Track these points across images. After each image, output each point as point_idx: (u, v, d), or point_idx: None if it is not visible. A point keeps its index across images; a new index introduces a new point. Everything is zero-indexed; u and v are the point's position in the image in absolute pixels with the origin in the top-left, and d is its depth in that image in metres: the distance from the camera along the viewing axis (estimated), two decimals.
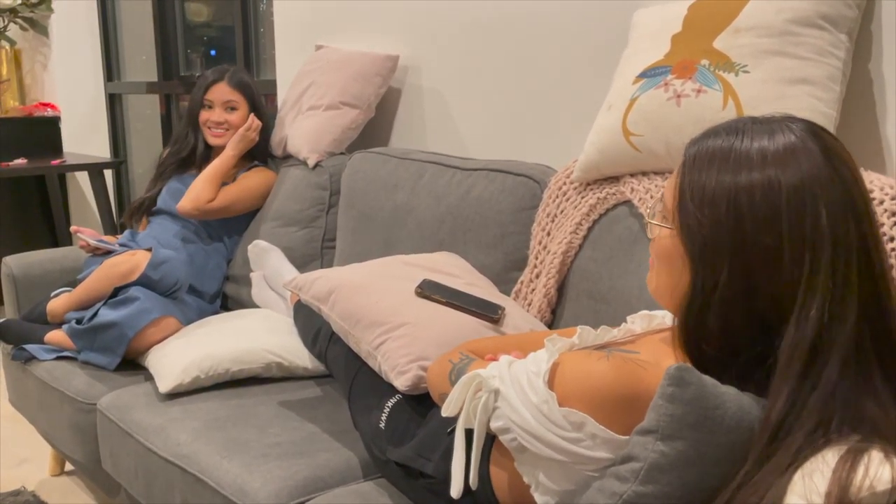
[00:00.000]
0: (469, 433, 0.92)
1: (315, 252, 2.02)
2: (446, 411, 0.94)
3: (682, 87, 1.30)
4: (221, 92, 2.07)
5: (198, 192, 2.00)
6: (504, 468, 0.96)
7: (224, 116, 2.07)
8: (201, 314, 1.94)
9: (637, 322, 1.02)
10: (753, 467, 0.72)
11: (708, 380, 0.74)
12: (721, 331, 0.78)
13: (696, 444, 0.73)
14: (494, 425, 0.88)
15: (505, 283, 1.54)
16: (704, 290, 0.78)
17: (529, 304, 1.48)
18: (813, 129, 0.81)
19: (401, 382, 1.18)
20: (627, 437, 0.80)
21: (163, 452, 1.37)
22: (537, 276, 1.49)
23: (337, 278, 1.39)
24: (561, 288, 1.45)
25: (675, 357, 0.85)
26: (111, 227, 3.36)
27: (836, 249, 0.75)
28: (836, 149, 0.80)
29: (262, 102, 2.15)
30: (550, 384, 0.83)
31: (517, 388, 0.85)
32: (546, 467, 0.85)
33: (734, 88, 1.25)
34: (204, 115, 2.09)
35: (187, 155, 2.13)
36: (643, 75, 1.36)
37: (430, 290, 1.33)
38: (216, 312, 2.04)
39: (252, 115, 2.09)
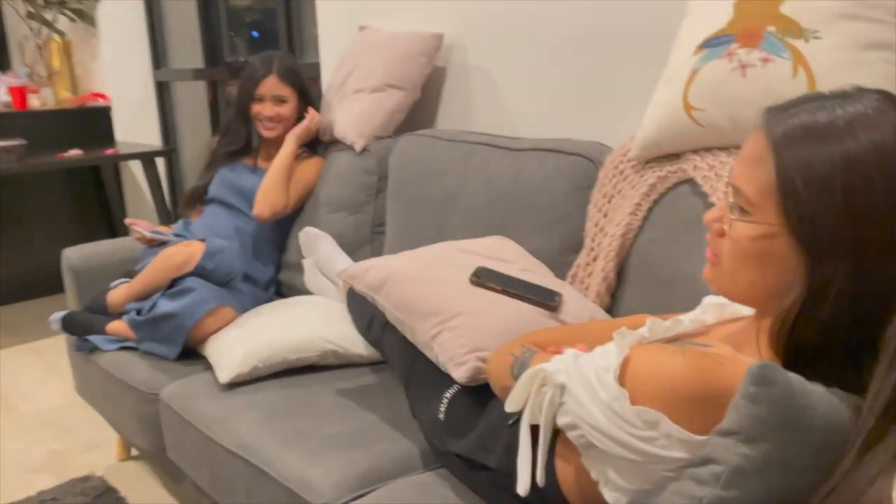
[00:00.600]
0: (534, 428, 0.89)
1: (365, 237, 2.01)
2: (510, 406, 0.91)
3: (747, 56, 1.23)
4: (271, 86, 2.06)
5: (273, 197, 2.01)
6: (570, 462, 0.93)
7: (276, 110, 2.07)
8: (256, 302, 1.95)
9: (710, 311, 0.97)
10: (856, 459, 0.67)
11: (795, 378, 0.70)
12: (826, 325, 0.73)
13: (782, 446, 0.69)
14: (561, 422, 0.86)
15: (561, 267, 1.50)
16: (823, 287, 0.71)
17: (587, 289, 1.44)
18: (891, 97, 0.75)
19: (459, 374, 1.16)
20: (704, 437, 0.76)
21: (226, 443, 1.39)
22: (594, 260, 1.44)
23: (390, 267, 1.37)
24: (620, 271, 1.40)
25: (757, 349, 0.80)
26: (165, 215, 3.41)
27: None
28: None
29: (311, 90, 2.13)
30: (621, 381, 0.79)
31: (585, 383, 0.82)
32: (616, 464, 0.82)
33: (805, 56, 1.18)
34: (255, 108, 2.08)
35: (241, 147, 2.14)
36: (705, 45, 1.30)
37: (485, 278, 1.30)
38: (271, 300, 2.05)
39: (311, 109, 2.08)
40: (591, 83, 1.72)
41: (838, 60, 1.16)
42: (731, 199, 0.81)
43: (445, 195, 1.74)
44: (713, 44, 1.29)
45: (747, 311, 0.96)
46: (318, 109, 2.17)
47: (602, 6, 1.67)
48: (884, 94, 0.75)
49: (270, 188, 2.01)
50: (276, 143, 2.12)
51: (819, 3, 1.19)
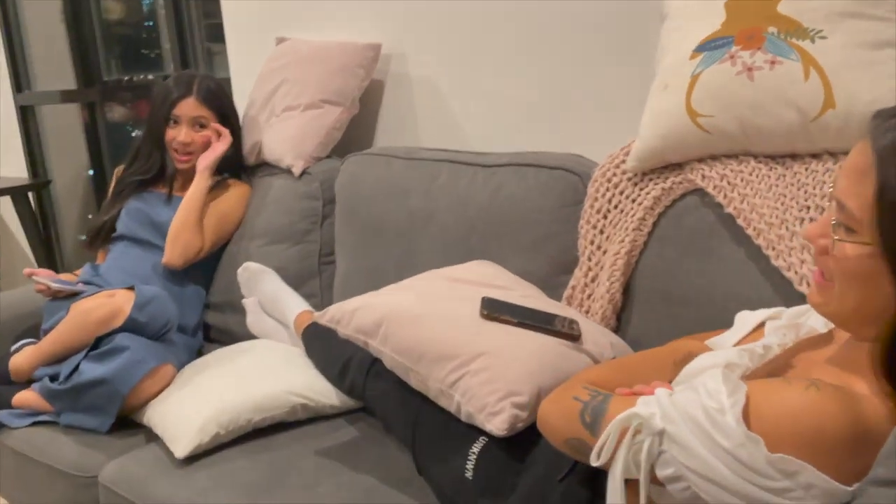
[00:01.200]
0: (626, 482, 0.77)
1: (312, 269, 1.81)
2: (596, 460, 0.79)
3: (751, 59, 1.17)
4: (189, 108, 1.82)
5: (185, 243, 1.77)
6: None
7: (191, 136, 1.83)
8: (189, 352, 1.72)
9: (787, 334, 0.89)
10: None
11: None
12: None
13: None
14: (662, 473, 0.74)
15: (551, 289, 1.40)
16: None
17: (587, 311, 1.34)
18: None
19: (495, 425, 1.02)
20: (849, 486, 0.67)
21: None
22: (593, 280, 1.35)
23: (383, 305, 1.21)
24: (625, 291, 1.31)
25: (867, 378, 0.73)
26: (45, 258, 3.01)
27: None
28: None
29: (234, 108, 1.92)
30: (746, 423, 0.69)
31: (693, 427, 0.71)
32: None
33: (814, 57, 1.14)
34: (170, 133, 1.84)
35: (153, 176, 1.88)
36: (701, 49, 1.23)
37: (496, 311, 1.17)
38: (201, 346, 1.83)
39: (218, 128, 1.85)
40: (550, 94, 1.63)
41: (849, 60, 1.12)
42: (835, 215, 0.74)
43: (410, 217, 1.59)
44: (711, 47, 1.23)
45: (821, 325, 0.90)
46: (239, 132, 1.95)
47: (558, 13, 1.58)
48: None
49: (181, 232, 1.78)
50: (194, 170, 1.88)
51: (819, 3, 1.16)
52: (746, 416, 0.70)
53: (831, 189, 0.77)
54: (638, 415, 0.76)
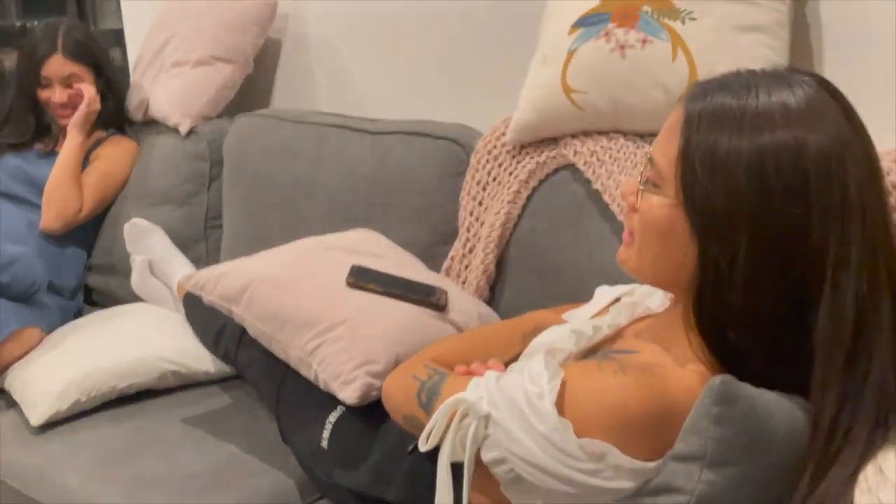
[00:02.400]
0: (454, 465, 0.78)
1: (198, 233, 1.76)
2: (426, 444, 0.79)
3: (625, 36, 1.18)
4: (58, 66, 1.72)
5: (61, 203, 1.68)
6: (488, 496, 0.83)
7: (66, 95, 1.74)
8: (65, 315, 1.65)
9: (622, 313, 0.91)
10: (813, 481, 0.64)
11: (753, 390, 0.65)
12: (745, 312, 0.69)
13: (749, 467, 0.64)
14: (487, 457, 0.75)
15: (433, 259, 1.39)
16: (720, 267, 0.68)
17: (464, 282, 1.35)
18: (826, 84, 0.73)
19: (348, 394, 1.02)
20: (655, 463, 0.69)
21: (50, 502, 1.13)
22: (471, 251, 1.35)
23: (248, 272, 1.19)
24: (499, 263, 1.32)
25: (692, 354, 0.74)
26: None
27: (865, 220, 0.68)
28: (852, 107, 0.73)
29: (109, 62, 1.82)
30: (560, 408, 0.70)
31: (515, 412, 0.72)
32: (548, 497, 0.74)
33: (682, 38, 1.16)
34: (44, 94, 1.74)
35: (29, 139, 1.78)
36: (580, 23, 1.23)
37: (363, 279, 1.16)
38: (80, 309, 1.76)
39: (84, 86, 1.74)
40: (450, 60, 1.61)
41: (715, 42, 1.14)
42: (644, 171, 0.77)
43: (296, 182, 1.55)
44: (588, 22, 1.23)
45: (657, 306, 0.92)
46: (121, 84, 1.86)
47: None
48: (819, 84, 0.72)
49: (56, 193, 1.69)
50: None
51: None
52: (561, 400, 0.71)
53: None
54: (465, 399, 0.76)
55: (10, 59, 3.12)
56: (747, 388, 0.65)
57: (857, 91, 0.75)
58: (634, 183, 0.78)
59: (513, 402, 0.73)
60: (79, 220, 1.73)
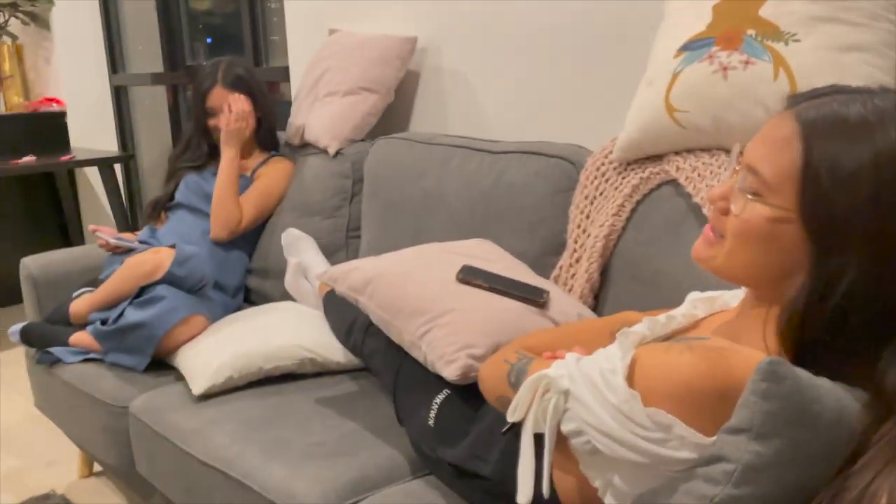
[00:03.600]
0: (537, 437, 0.87)
1: (340, 242, 1.97)
2: (512, 416, 0.89)
3: (728, 59, 1.24)
4: (219, 97, 2.00)
5: (225, 216, 1.95)
6: (569, 472, 0.91)
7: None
8: (226, 310, 1.90)
9: (699, 306, 0.97)
10: (867, 453, 0.67)
11: (803, 373, 0.70)
12: (838, 320, 0.72)
13: (793, 442, 0.68)
14: (566, 428, 0.83)
15: (542, 268, 1.49)
16: (829, 280, 0.71)
17: (570, 289, 1.44)
18: None
19: (449, 372, 1.14)
20: (713, 437, 0.75)
21: (203, 456, 1.34)
22: (577, 261, 1.44)
23: (373, 268, 1.35)
24: (604, 272, 1.40)
25: (762, 339, 0.79)
26: (124, 223, 3.31)
27: None
28: None
29: (262, 90, 2.08)
30: (630, 382, 0.78)
31: (591, 387, 0.80)
32: (621, 469, 0.81)
33: (785, 59, 1.20)
34: (212, 122, 2.03)
35: (202, 163, 2.08)
36: (685, 48, 1.31)
37: (471, 276, 1.28)
38: (240, 307, 2.00)
39: (234, 102, 1.98)
40: (568, 86, 1.72)
41: (818, 62, 1.17)
42: (744, 180, 0.79)
43: (424, 197, 1.72)
44: (693, 47, 1.30)
45: (736, 302, 0.96)
46: (276, 113, 2.13)
47: (578, 7, 1.67)
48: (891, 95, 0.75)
49: (219, 207, 1.95)
50: (245, 146, 2.08)
51: (797, 6, 1.21)
52: (631, 375, 0.78)
53: (740, 156, 0.82)
54: (547, 375, 0.84)
55: None
56: (794, 371, 0.69)
57: None
58: (727, 188, 0.81)
59: (589, 378, 0.80)
60: (241, 230, 1.99)
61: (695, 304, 0.96)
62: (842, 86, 0.77)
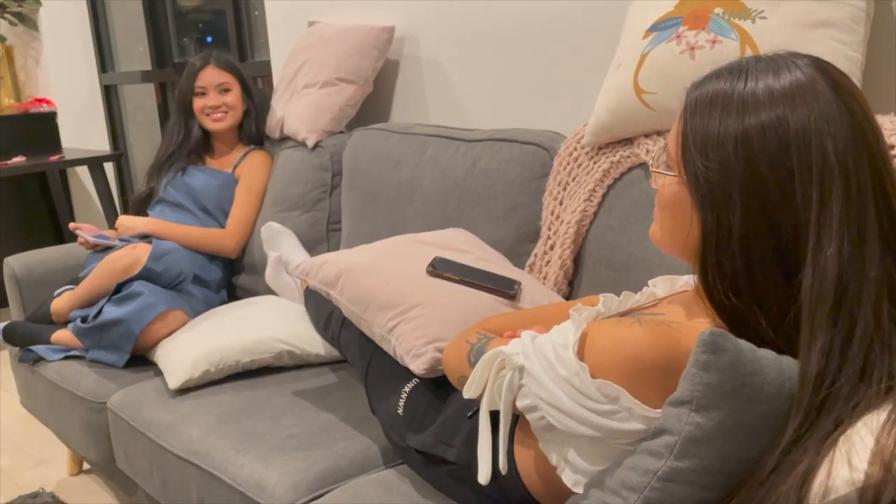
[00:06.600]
0: (494, 415, 0.87)
1: (321, 236, 1.97)
2: (468, 393, 0.89)
3: (695, 38, 1.23)
4: (211, 75, 2.00)
5: (218, 249, 1.99)
6: (529, 448, 0.91)
7: (220, 99, 2.01)
8: (209, 305, 1.90)
9: (659, 286, 0.96)
10: (796, 432, 0.67)
11: (744, 344, 0.69)
12: (742, 275, 0.74)
13: (734, 413, 0.68)
14: (521, 404, 0.83)
15: (518, 256, 1.49)
16: (717, 234, 0.75)
17: (545, 277, 1.43)
18: (820, 65, 0.77)
19: (417, 366, 1.13)
20: (660, 410, 0.74)
21: (176, 450, 1.34)
22: (552, 248, 1.43)
23: (344, 261, 1.34)
24: (577, 258, 1.39)
25: (707, 316, 0.79)
26: (115, 221, 3.31)
27: (848, 184, 0.71)
28: (846, 84, 0.76)
29: (251, 82, 2.09)
30: (580, 355, 0.77)
31: (544, 362, 0.80)
32: (576, 445, 0.81)
33: (752, 36, 1.18)
34: (199, 102, 2.02)
35: (180, 146, 2.07)
36: (653, 28, 1.29)
37: (442, 268, 1.28)
38: (224, 302, 2.00)
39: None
40: (544, 73, 1.71)
41: (784, 39, 1.16)
42: (659, 157, 0.84)
43: (400, 187, 1.71)
44: (661, 27, 1.28)
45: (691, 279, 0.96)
46: (265, 107, 2.13)
47: None
48: (813, 65, 0.75)
49: (206, 249, 1.97)
50: (225, 138, 2.07)
51: None
52: (582, 349, 0.78)
53: None
54: (502, 352, 0.85)
55: None
56: (736, 342, 0.68)
57: None
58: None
59: (542, 354, 0.81)
60: (245, 240, 2.01)
61: (655, 283, 0.96)
62: (739, 61, 0.79)
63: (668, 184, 0.81)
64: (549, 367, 0.79)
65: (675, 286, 0.95)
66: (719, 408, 0.67)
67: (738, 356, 0.67)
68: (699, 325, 0.77)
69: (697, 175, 0.75)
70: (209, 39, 3.62)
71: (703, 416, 0.67)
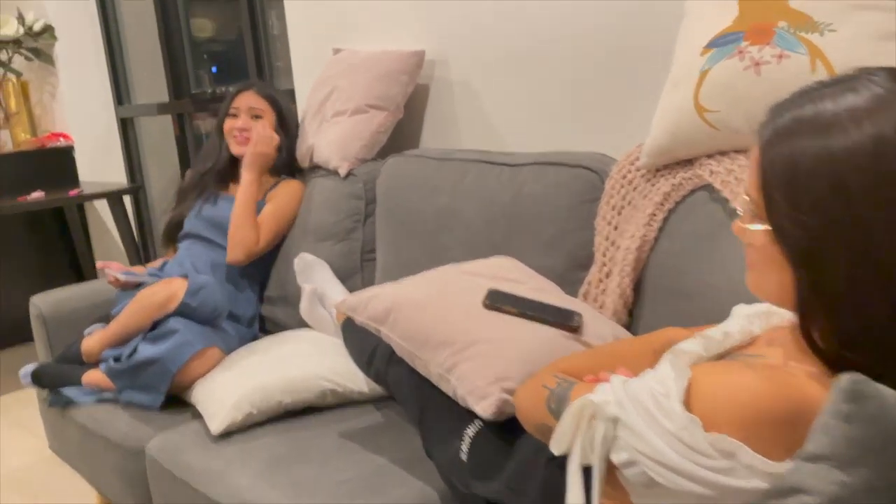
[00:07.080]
0: (585, 469, 0.80)
1: (355, 266, 1.91)
2: (557, 448, 0.81)
3: (759, 53, 1.17)
4: (247, 99, 1.97)
5: (242, 237, 1.89)
6: (616, 502, 0.84)
7: (249, 123, 1.97)
8: (242, 341, 1.84)
9: (755, 321, 0.89)
10: None
11: (887, 390, 0.62)
12: (856, 332, 0.67)
13: (882, 469, 0.61)
14: (617, 459, 0.76)
15: (568, 284, 1.42)
16: (821, 293, 0.68)
17: (602, 306, 1.36)
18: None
19: (482, 408, 1.07)
20: (788, 464, 0.68)
21: (224, 500, 1.27)
22: (607, 276, 1.37)
23: (394, 295, 1.28)
24: (637, 286, 1.32)
25: (807, 356, 0.73)
26: (136, 255, 3.27)
27: None
28: None
29: (290, 116, 2.04)
30: (688, 406, 0.71)
31: (643, 413, 0.73)
32: (682, 501, 0.73)
33: (821, 50, 1.13)
34: (229, 123, 1.98)
35: (211, 168, 2.02)
36: (712, 45, 1.24)
37: (499, 301, 1.21)
38: (255, 337, 1.94)
39: (262, 126, 1.96)
40: (581, 93, 1.66)
41: (856, 52, 1.10)
42: (744, 208, 0.77)
43: (438, 215, 1.65)
44: (721, 43, 1.23)
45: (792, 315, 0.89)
46: (295, 138, 2.08)
47: (587, 15, 1.61)
48: (890, 76, 0.69)
49: (237, 230, 1.89)
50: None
51: None
52: (689, 398, 0.71)
53: None
54: (591, 402, 0.77)
55: (205, 124, 3.56)
56: (878, 388, 0.62)
57: None
58: (740, 220, 0.79)
59: (640, 403, 0.73)
60: (258, 252, 1.93)
61: (750, 318, 0.89)
62: (810, 85, 0.73)
63: (757, 234, 0.74)
64: (651, 419, 0.72)
65: (772, 320, 0.89)
66: (866, 464, 0.60)
67: (882, 403, 0.61)
68: (813, 369, 0.70)
69: (787, 229, 0.69)
70: (214, 69, 3.61)
71: (849, 475, 0.61)
